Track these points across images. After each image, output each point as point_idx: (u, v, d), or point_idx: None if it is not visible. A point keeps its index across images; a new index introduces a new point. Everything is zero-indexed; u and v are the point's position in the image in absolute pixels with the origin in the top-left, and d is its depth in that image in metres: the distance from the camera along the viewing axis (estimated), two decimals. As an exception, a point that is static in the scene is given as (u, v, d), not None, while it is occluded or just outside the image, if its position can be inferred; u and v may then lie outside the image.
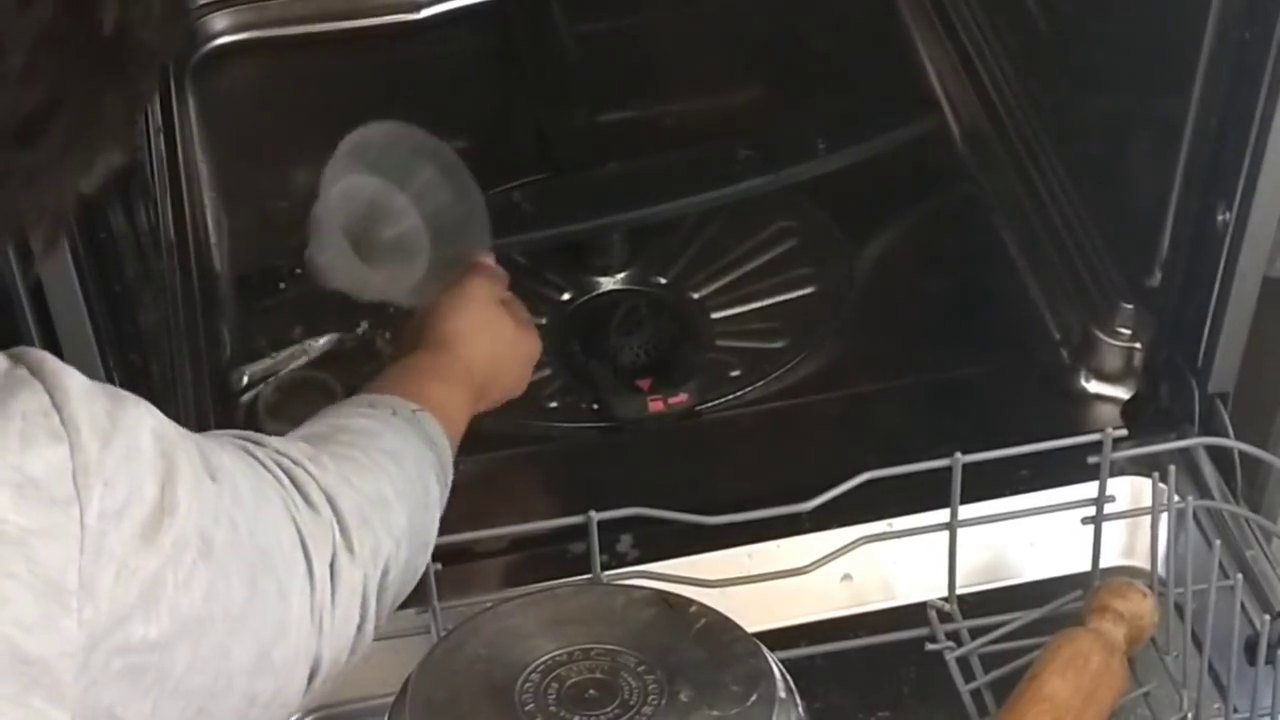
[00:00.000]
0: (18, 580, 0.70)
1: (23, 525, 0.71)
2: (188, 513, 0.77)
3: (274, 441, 0.95)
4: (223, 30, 1.74)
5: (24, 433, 0.72)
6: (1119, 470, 1.24)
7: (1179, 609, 1.19)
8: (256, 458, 0.91)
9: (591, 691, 0.96)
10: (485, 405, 1.22)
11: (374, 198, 1.27)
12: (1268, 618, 1.18)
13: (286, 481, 0.91)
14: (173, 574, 0.77)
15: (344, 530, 0.92)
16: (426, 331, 1.20)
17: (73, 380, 0.75)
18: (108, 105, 0.69)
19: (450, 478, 1.08)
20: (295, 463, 0.93)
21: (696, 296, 1.51)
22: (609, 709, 0.95)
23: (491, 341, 1.21)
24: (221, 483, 0.81)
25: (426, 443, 1.06)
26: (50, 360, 0.75)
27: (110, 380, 1.17)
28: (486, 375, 1.20)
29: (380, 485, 0.98)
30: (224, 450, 0.86)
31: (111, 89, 0.69)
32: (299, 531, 0.88)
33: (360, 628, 0.93)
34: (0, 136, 0.65)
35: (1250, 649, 1.17)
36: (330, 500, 0.92)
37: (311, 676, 0.90)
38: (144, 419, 0.77)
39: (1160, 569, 1.22)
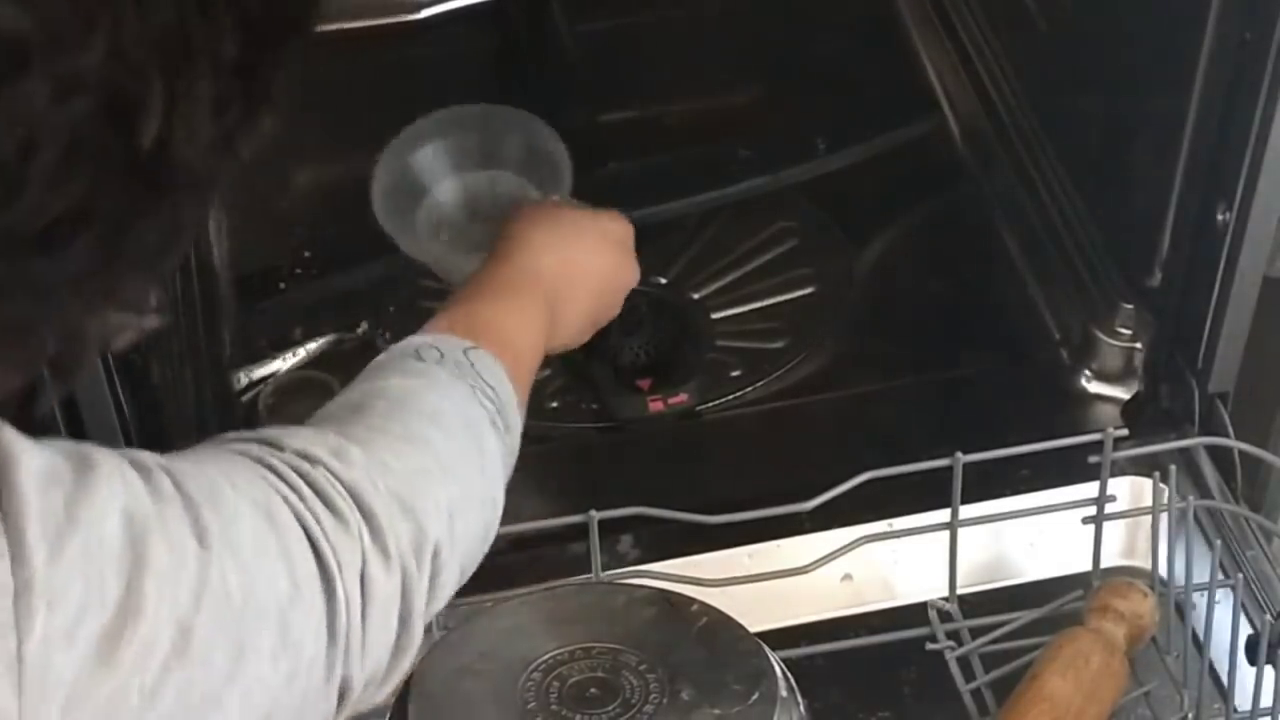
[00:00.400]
0: None
1: None
2: (157, 609, 0.69)
3: (297, 441, 0.85)
4: (222, 30, 1.74)
5: None
6: (1119, 470, 1.24)
7: (1179, 609, 1.19)
8: (272, 467, 0.82)
9: (593, 690, 0.96)
10: (572, 327, 1.13)
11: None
12: (1268, 618, 1.18)
13: (307, 492, 0.82)
14: (137, 686, 0.68)
15: (375, 532, 0.84)
16: (499, 241, 1.12)
17: (25, 471, 0.66)
18: (141, 228, 0.61)
19: (517, 420, 1.00)
20: (315, 463, 0.84)
21: (696, 296, 1.51)
22: (610, 708, 0.95)
23: (569, 250, 1.12)
24: (211, 546, 0.72)
25: (477, 394, 0.97)
26: (7, 435, 0.66)
27: (110, 383, 1.16)
28: (561, 285, 1.10)
29: (421, 459, 0.90)
30: (227, 477, 0.78)
31: (147, 211, 0.61)
32: (318, 553, 0.80)
33: (403, 629, 0.86)
34: (19, 241, 0.57)
35: (1251, 649, 1.17)
36: (357, 501, 0.84)
37: (341, 697, 0.83)
38: (112, 502, 0.69)
39: (1161, 569, 1.22)
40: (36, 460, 0.67)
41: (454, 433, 0.94)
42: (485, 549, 0.96)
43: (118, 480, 0.70)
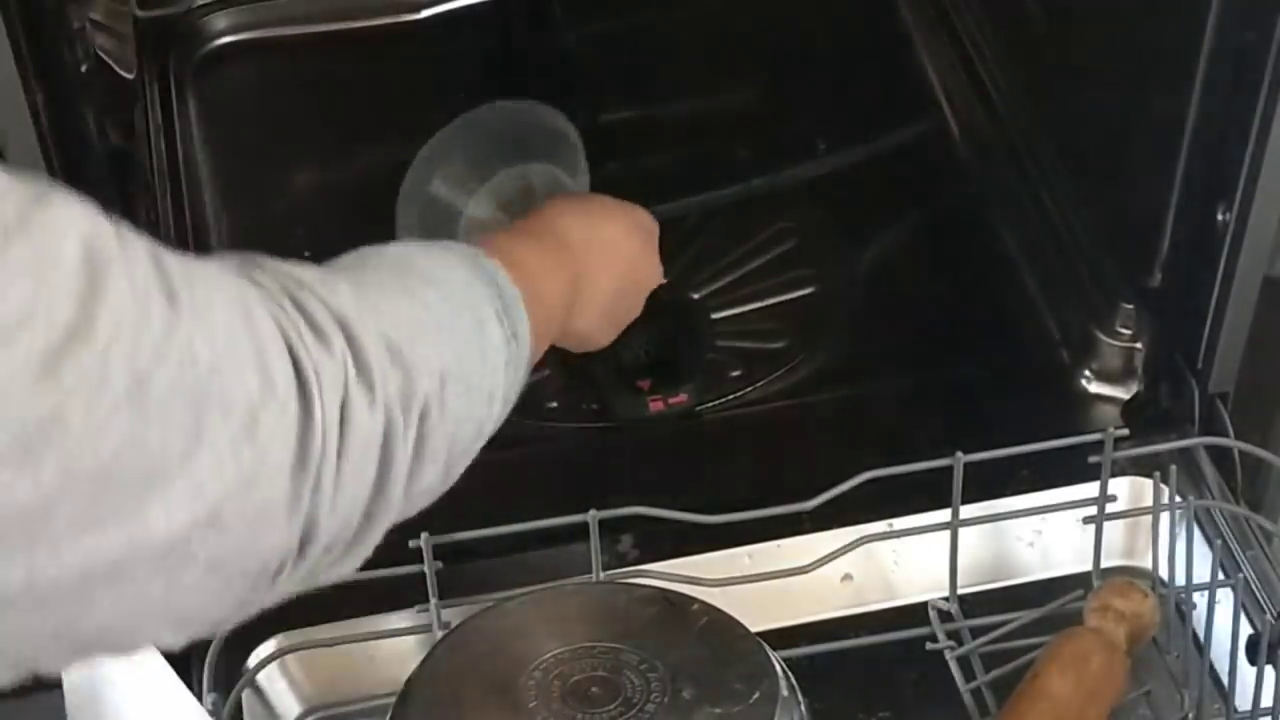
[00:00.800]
0: None
1: None
2: (110, 344, 0.62)
3: (284, 265, 0.79)
4: (223, 30, 1.74)
5: None
6: (1119, 470, 1.24)
7: (1179, 609, 1.19)
8: (254, 280, 0.75)
9: (594, 689, 0.96)
10: (594, 308, 1.08)
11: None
12: (1268, 618, 1.18)
13: (289, 306, 0.75)
14: (81, 411, 0.61)
15: (361, 366, 0.76)
16: (527, 220, 1.06)
17: None
18: None
19: (525, 349, 0.92)
20: (301, 284, 0.77)
21: (696, 296, 1.51)
22: (612, 707, 0.95)
23: (598, 229, 1.08)
24: (180, 308, 0.66)
25: (483, 279, 0.90)
26: None
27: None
28: (588, 259, 1.04)
29: (416, 312, 0.83)
30: (209, 269, 0.71)
31: None
32: (296, 365, 0.72)
33: (381, 487, 0.77)
34: None
35: (1251, 649, 1.17)
36: (344, 327, 0.76)
37: (303, 546, 0.73)
38: (74, 223, 0.62)
39: (1161, 569, 1.22)
40: None
41: (454, 303, 0.87)
42: (476, 448, 0.89)
43: (78, 209, 0.63)
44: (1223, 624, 1.17)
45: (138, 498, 0.64)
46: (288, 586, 0.75)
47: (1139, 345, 1.39)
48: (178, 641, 0.72)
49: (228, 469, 0.67)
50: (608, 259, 1.10)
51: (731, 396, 1.43)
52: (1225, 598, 1.18)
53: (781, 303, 1.51)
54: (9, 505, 0.60)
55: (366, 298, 0.80)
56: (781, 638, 1.14)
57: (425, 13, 1.75)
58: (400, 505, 0.80)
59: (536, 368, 1.29)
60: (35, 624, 0.65)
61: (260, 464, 0.69)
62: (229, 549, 0.69)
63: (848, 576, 1.26)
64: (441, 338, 0.84)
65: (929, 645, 1.21)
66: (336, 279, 0.79)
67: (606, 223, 1.12)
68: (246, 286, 0.74)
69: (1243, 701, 1.16)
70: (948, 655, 1.20)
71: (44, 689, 0.94)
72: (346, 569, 0.79)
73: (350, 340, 0.76)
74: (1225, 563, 1.21)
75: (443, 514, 1.07)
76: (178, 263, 0.68)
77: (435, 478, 0.83)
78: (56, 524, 0.62)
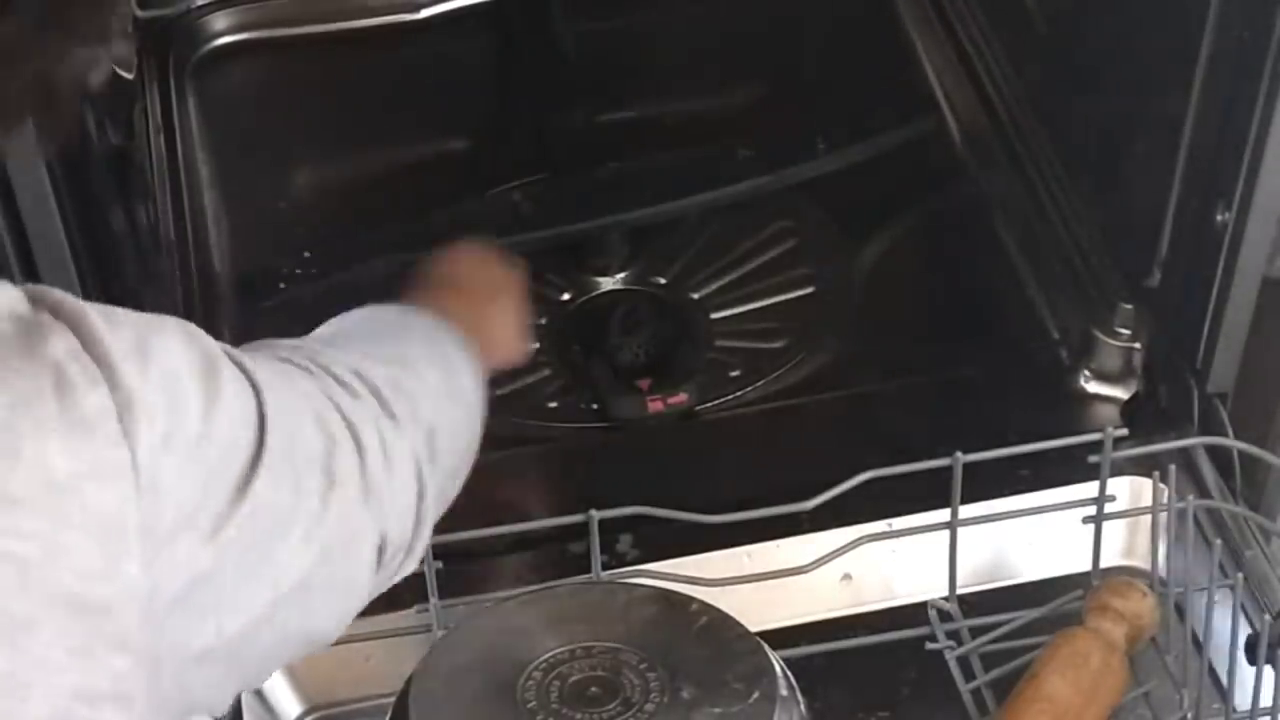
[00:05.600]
0: (75, 527, 0.69)
1: (72, 470, 0.69)
2: (233, 421, 0.77)
3: (290, 341, 0.95)
4: (223, 30, 1.75)
5: (58, 382, 0.70)
6: (1119, 470, 1.24)
7: (1179, 609, 1.19)
8: (280, 356, 0.90)
9: (594, 689, 0.96)
10: (497, 338, 1.17)
11: None
12: (1268, 618, 1.18)
13: (315, 368, 0.90)
14: (227, 481, 0.76)
15: (382, 400, 0.91)
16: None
17: (96, 317, 0.73)
18: None
19: (477, 383, 1.04)
20: (314, 351, 0.92)
21: (696, 296, 1.51)
22: (611, 706, 0.95)
23: (467, 279, 1.19)
24: (261, 392, 0.80)
25: (433, 324, 1.04)
26: (69, 300, 0.73)
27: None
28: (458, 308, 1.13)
29: (399, 348, 0.97)
30: (254, 356, 0.84)
31: None
32: (342, 414, 0.87)
33: (421, 497, 0.92)
34: None
35: (1250, 649, 1.17)
36: (360, 375, 0.91)
37: (381, 553, 0.89)
38: (175, 339, 0.76)
39: (1160, 569, 1.22)
40: (102, 312, 0.74)
41: (420, 338, 1.01)
42: (464, 470, 1.02)
43: (172, 327, 0.76)
44: (1222, 624, 1.17)
45: (272, 549, 0.80)
46: (375, 590, 0.91)
47: (1138, 345, 1.39)
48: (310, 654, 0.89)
49: (321, 514, 0.83)
50: (475, 291, 1.18)
51: (731, 396, 1.43)
52: (1224, 598, 1.18)
53: (781, 303, 1.51)
54: (198, 573, 0.75)
55: (361, 349, 0.95)
56: (781, 638, 1.14)
57: (425, 12, 1.75)
58: (435, 508, 0.94)
59: (536, 368, 1.30)
60: (219, 672, 0.80)
61: (344, 503, 0.84)
62: (337, 574, 0.86)
63: (847, 576, 1.26)
64: (425, 364, 0.98)
65: (928, 645, 1.21)
66: (332, 345, 0.95)
67: (451, 264, 1.21)
68: (283, 362, 0.89)
69: (1242, 701, 1.16)
70: (947, 655, 1.20)
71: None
72: (410, 567, 0.95)
73: (367, 382, 0.91)
74: (1224, 563, 1.21)
75: (443, 514, 1.08)
76: (238, 355, 0.81)
77: (451, 489, 1.00)
78: (226, 583, 0.77)
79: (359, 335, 1.00)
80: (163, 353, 0.74)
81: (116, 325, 0.73)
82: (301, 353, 0.91)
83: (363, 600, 0.90)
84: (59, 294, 0.73)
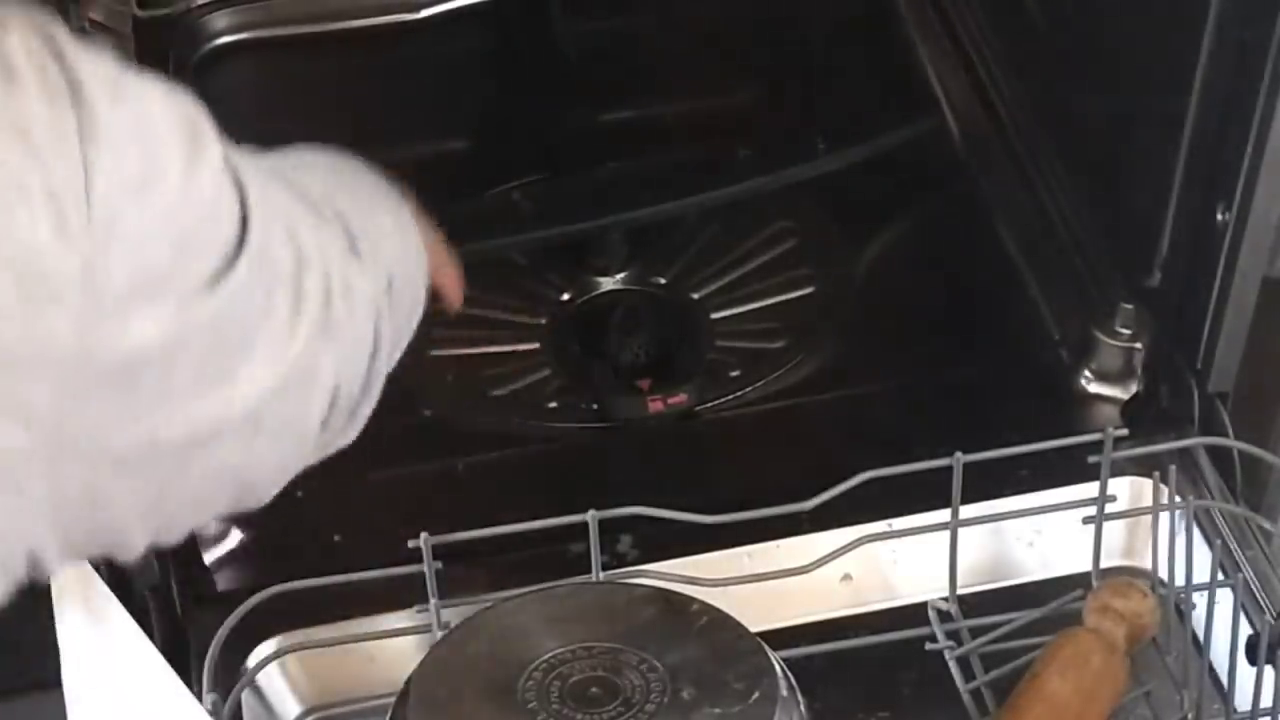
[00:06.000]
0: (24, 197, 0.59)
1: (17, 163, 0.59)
2: (217, 197, 0.68)
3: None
4: (223, 30, 1.74)
5: (10, 74, 0.59)
6: (1119, 470, 1.24)
7: (1179, 609, 1.19)
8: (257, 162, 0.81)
9: (594, 689, 0.96)
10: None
11: None
12: (1268, 618, 1.18)
13: (284, 186, 0.81)
14: (197, 271, 0.67)
15: (350, 235, 0.83)
16: None
17: (70, 38, 0.63)
18: None
19: (424, 259, 0.96)
20: (286, 167, 0.85)
21: (696, 296, 1.51)
22: (611, 707, 0.95)
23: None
24: (247, 184, 0.72)
25: (389, 186, 0.97)
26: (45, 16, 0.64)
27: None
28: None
29: (361, 189, 0.91)
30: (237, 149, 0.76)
31: None
32: (315, 236, 0.79)
33: (374, 355, 0.84)
34: None
35: (1251, 649, 1.17)
36: (329, 201, 0.84)
37: (331, 407, 0.81)
38: (155, 90, 0.66)
39: (1160, 569, 1.22)
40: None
41: (362, 186, 0.94)
42: (414, 323, 0.94)
43: (157, 79, 0.68)
44: (1222, 624, 1.17)
45: (233, 364, 0.71)
46: (314, 455, 0.83)
47: (1138, 345, 1.39)
48: (236, 510, 0.80)
49: (289, 339, 0.75)
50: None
51: (731, 396, 1.43)
52: (1225, 598, 1.18)
53: (781, 303, 1.51)
54: (147, 350, 0.65)
55: (322, 179, 0.88)
56: (781, 638, 1.14)
57: (425, 12, 1.75)
58: (382, 374, 0.86)
59: (536, 368, 1.30)
60: (137, 490, 0.71)
61: (310, 328, 0.76)
62: (290, 414, 0.77)
63: (847, 576, 1.26)
64: (382, 217, 0.91)
65: (928, 645, 1.21)
66: (299, 165, 0.87)
67: None
68: (260, 163, 0.77)
69: (1242, 702, 1.16)
70: (947, 655, 1.20)
71: (43, 689, 0.94)
72: (348, 437, 0.86)
73: (338, 211, 0.83)
74: (1225, 563, 1.21)
75: (443, 514, 1.07)
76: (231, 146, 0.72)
77: (393, 353, 0.89)
78: (177, 380, 0.68)
79: (321, 166, 0.93)
80: (139, 98, 0.65)
81: (95, 55, 0.64)
82: (271, 164, 0.82)
83: (304, 459, 0.82)
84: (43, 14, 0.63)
